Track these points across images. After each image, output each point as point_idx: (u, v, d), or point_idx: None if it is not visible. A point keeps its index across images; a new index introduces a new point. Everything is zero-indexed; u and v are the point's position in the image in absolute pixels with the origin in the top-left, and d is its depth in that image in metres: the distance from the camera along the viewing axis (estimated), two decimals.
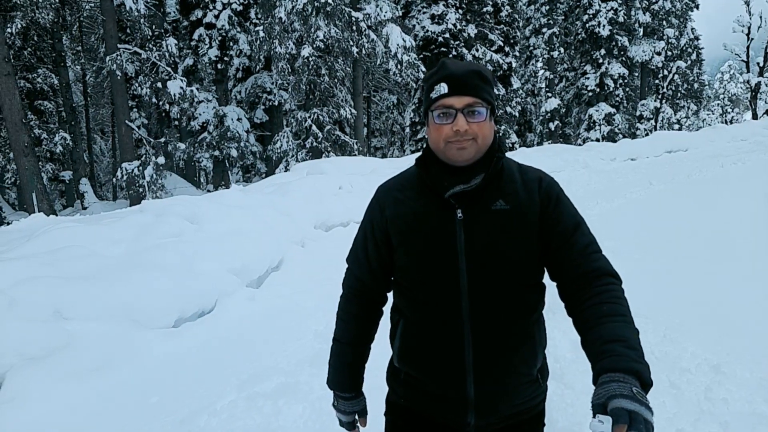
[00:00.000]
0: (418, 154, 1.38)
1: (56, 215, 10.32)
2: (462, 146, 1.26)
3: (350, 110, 16.44)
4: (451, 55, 19.09)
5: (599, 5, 25.72)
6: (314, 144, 15.32)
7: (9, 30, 13.17)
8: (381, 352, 1.56)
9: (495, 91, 1.36)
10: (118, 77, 14.20)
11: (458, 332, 1.29)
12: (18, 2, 13.24)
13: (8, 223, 10.74)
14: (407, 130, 21.00)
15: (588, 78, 26.19)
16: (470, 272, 1.27)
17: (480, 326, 1.28)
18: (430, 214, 1.31)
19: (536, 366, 1.36)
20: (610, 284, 1.23)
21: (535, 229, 1.29)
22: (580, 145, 22.29)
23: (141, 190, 13.55)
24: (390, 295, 1.51)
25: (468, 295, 1.28)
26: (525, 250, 1.29)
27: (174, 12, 18.00)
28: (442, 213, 1.30)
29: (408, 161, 8.96)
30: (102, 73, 20.00)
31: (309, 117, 15.43)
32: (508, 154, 1.41)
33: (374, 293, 1.50)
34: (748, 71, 31.86)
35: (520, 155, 12.91)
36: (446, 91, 1.26)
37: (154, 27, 16.98)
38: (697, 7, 31.86)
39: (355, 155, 15.42)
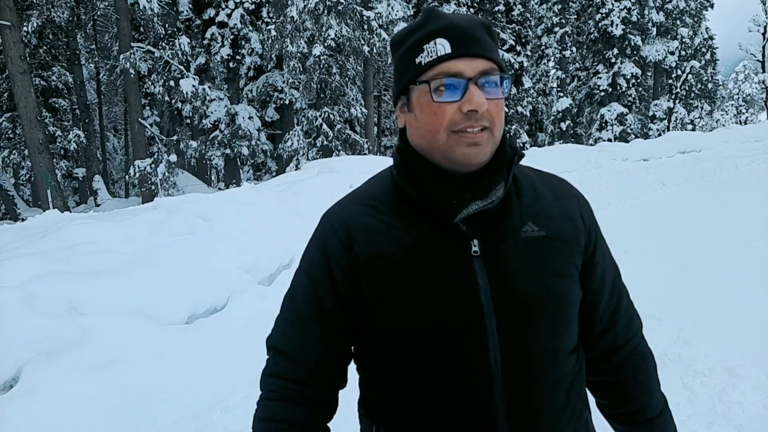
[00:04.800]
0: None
1: (70, 212, 10.44)
2: (476, 140, 0.81)
3: (361, 109, 16.46)
4: None
5: (612, 4, 25.53)
6: (325, 143, 15.37)
7: (25, 28, 13.34)
8: None
9: None
10: (132, 75, 14.34)
11: None
12: (34, 1, 13.40)
13: (23, 220, 10.89)
14: None
15: (600, 77, 26.01)
16: (504, 335, 0.82)
17: (524, 422, 0.84)
18: (430, 248, 0.85)
19: None
20: (644, 370, 1.01)
21: (578, 263, 0.91)
22: (591, 145, 22.13)
23: (153, 187, 13.68)
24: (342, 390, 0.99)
25: (503, 372, 0.82)
26: (573, 292, 0.89)
27: (187, 11, 18.11)
28: (449, 246, 0.85)
29: None
30: (115, 72, 20.18)
31: (320, 116, 15.48)
32: None
33: (326, 389, 0.93)
34: (764, 71, 31.44)
35: (532, 155, 12.84)
36: (449, 50, 0.81)
37: (167, 26, 17.09)
38: (711, 6, 31.49)
39: (365, 154, 15.47)
